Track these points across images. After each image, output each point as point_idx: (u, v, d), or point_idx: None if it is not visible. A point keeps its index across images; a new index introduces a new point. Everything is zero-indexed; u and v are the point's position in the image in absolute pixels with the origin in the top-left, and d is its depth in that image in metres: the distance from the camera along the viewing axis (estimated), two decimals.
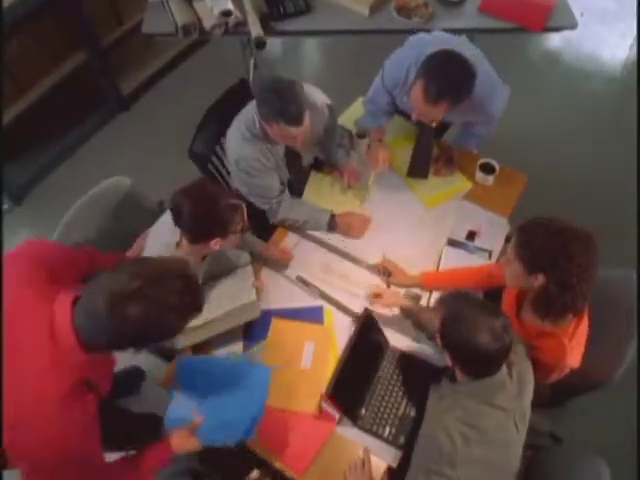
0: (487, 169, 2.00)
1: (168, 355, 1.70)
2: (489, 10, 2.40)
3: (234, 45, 2.79)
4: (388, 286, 1.79)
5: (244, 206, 1.48)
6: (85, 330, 1.03)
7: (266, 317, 1.70)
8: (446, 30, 1.88)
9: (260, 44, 2.28)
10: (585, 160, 3.00)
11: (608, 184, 2.87)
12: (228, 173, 2.08)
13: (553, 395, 1.61)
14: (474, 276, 1.71)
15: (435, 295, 1.74)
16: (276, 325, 1.70)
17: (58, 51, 2.86)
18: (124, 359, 1.30)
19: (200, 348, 1.63)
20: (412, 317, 1.64)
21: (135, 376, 2.20)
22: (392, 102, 1.98)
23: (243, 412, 1.42)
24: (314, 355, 1.64)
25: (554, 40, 3.68)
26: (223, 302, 1.61)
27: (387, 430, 1.50)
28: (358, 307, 1.73)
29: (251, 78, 2.45)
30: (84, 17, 2.79)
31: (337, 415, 1.51)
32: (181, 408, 1.46)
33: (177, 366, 1.59)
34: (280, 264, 1.85)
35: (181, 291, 1.06)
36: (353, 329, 1.57)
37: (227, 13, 2.32)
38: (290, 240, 1.93)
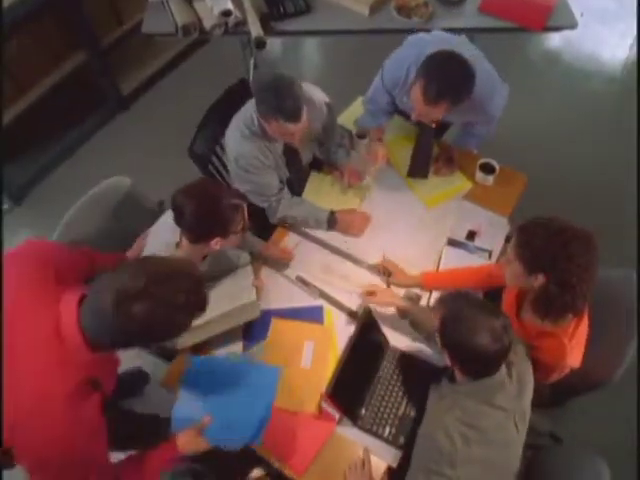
0: (487, 169, 2.00)
1: (168, 355, 1.70)
2: (489, 10, 2.40)
3: (234, 45, 2.79)
4: (388, 286, 1.79)
5: (245, 206, 1.48)
6: (91, 329, 1.04)
7: (266, 317, 1.70)
8: (446, 30, 1.89)
9: (260, 44, 2.28)
10: (585, 160, 3.00)
11: (608, 184, 2.87)
12: (228, 173, 2.08)
13: (553, 395, 1.61)
14: (474, 276, 1.71)
15: (435, 295, 1.74)
16: (276, 325, 1.70)
17: (58, 51, 2.86)
18: (127, 360, 1.30)
19: (200, 348, 1.63)
20: (408, 317, 1.64)
21: (138, 378, 2.21)
22: (392, 102, 1.98)
23: (250, 413, 1.43)
24: (314, 355, 1.64)
25: (554, 40, 3.68)
26: (223, 302, 1.61)
27: (387, 430, 1.50)
28: (358, 307, 1.73)
29: (251, 78, 2.45)
30: (84, 17, 2.79)
31: (337, 415, 1.51)
32: (188, 407, 1.47)
33: (185, 365, 1.59)
34: (280, 264, 1.85)
35: (187, 290, 1.07)
36: (353, 329, 1.57)
37: (227, 13, 2.32)
38: (291, 240, 1.93)
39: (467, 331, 1.18)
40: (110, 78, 3.17)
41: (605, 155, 3.03)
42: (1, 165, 2.61)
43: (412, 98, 1.64)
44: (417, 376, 1.56)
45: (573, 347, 1.34)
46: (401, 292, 1.76)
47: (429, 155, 2.07)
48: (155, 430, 1.76)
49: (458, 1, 2.44)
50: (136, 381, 2.19)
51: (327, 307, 1.75)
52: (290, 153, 1.88)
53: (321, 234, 1.93)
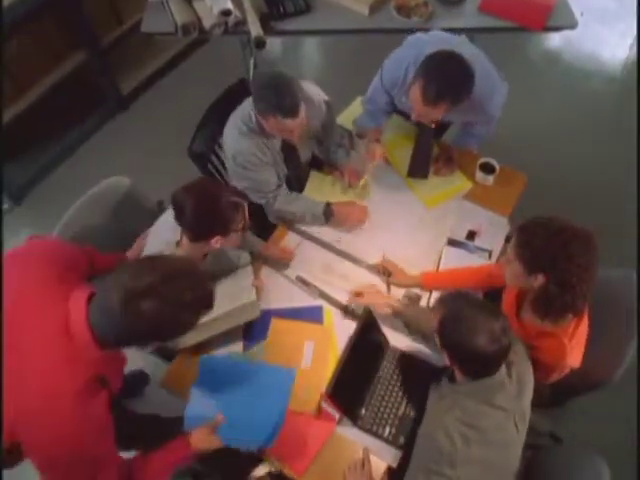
0: (487, 169, 2.00)
1: (168, 355, 1.70)
2: (489, 9, 2.40)
3: (234, 45, 2.79)
4: (388, 286, 1.79)
5: (245, 204, 1.49)
6: (100, 326, 1.05)
7: (266, 317, 1.70)
8: (446, 29, 1.89)
9: (260, 44, 2.28)
10: (585, 160, 3.00)
11: (608, 184, 2.87)
12: (227, 171, 2.08)
13: (553, 395, 1.61)
14: (474, 276, 1.71)
15: (435, 295, 1.74)
16: (276, 325, 1.70)
17: (58, 51, 2.85)
18: (128, 361, 1.31)
19: (200, 348, 1.63)
20: (401, 318, 1.64)
21: (139, 379, 2.21)
22: (391, 102, 1.98)
23: (264, 416, 1.44)
24: (314, 355, 1.64)
25: (554, 40, 3.67)
26: (223, 302, 1.61)
27: (387, 430, 1.50)
28: (348, 304, 1.73)
29: (251, 78, 2.45)
30: (84, 17, 2.78)
31: (337, 415, 1.51)
32: (201, 406, 1.48)
33: (186, 365, 1.60)
34: (280, 264, 1.85)
35: (194, 288, 1.08)
36: (353, 329, 1.57)
37: (227, 12, 2.32)
38: (291, 240, 1.93)
39: (467, 331, 1.18)
40: (110, 78, 3.17)
41: (605, 155, 3.03)
42: (1, 165, 2.60)
43: (411, 98, 1.64)
44: (417, 376, 1.56)
45: (573, 347, 1.34)
46: (401, 292, 1.76)
47: (429, 155, 2.06)
48: (155, 430, 1.76)
49: (458, 1, 2.44)
50: (136, 382, 2.20)
51: (327, 307, 1.75)
52: (288, 150, 1.88)
53: (320, 233, 1.93)
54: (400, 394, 1.56)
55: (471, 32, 2.29)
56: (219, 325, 1.58)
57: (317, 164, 2.16)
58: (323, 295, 1.77)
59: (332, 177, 2.09)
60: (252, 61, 2.48)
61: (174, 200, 1.40)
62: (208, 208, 1.39)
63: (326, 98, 1.92)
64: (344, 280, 1.80)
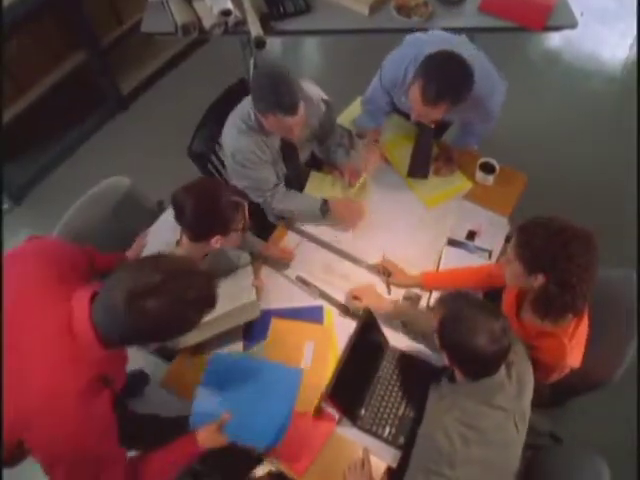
0: (487, 169, 2.00)
1: (168, 355, 1.70)
2: (489, 9, 2.40)
3: (234, 45, 2.79)
4: (388, 286, 1.79)
5: (246, 204, 1.49)
6: (103, 325, 1.05)
7: (266, 317, 1.70)
8: (446, 29, 1.89)
9: (260, 44, 2.27)
10: (585, 160, 3.00)
11: (608, 184, 2.87)
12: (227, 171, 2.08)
13: (553, 395, 1.61)
14: (474, 276, 1.71)
15: (435, 295, 1.74)
16: (276, 325, 1.70)
17: (58, 51, 2.85)
18: (130, 361, 1.31)
19: (200, 348, 1.63)
20: (400, 318, 1.64)
21: (139, 379, 2.21)
22: (391, 102, 1.98)
23: (271, 414, 1.45)
24: (314, 355, 1.64)
25: (554, 39, 3.67)
26: (223, 302, 1.59)
27: (387, 430, 1.50)
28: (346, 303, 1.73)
29: (251, 78, 2.45)
30: (84, 17, 2.78)
31: (337, 415, 1.51)
32: (207, 404, 1.49)
33: (187, 364, 1.60)
34: (280, 264, 1.85)
35: (198, 286, 1.08)
36: (353, 329, 1.57)
37: (227, 12, 2.32)
38: (291, 240, 1.93)
39: (467, 331, 1.18)
40: (110, 78, 3.16)
41: (605, 155, 3.03)
42: (1, 165, 2.60)
43: (411, 98, 1.64)
44: (417, 376, 1.56)
45: (573, 347, 1.34)
46: (401, 292, 1.76)
47: (429, 155, 2.06)
48: (155, 430, 1.76)
49: (458, 1, 2.44)
50: (136, 382, 2.19)
51: (327, 307, 1.75)
52: (287, 148, 1.88)
53: (320, 233, 1.93)
54: (400, 394, 1.56)
55: (471, 32, 2.28)
56: (219, 325, 1.58)
57: (317, 164, 2.16)
58: (323, 295, 1.77)
59: (332, 177, 2.09)
60: (252, 61, 2.47)
61: (174, 200, 1.40)
62: (208, 208, 1.39)
63: (325, 97, 1.92)
64: (344, 280, 1.80)
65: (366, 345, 1.58)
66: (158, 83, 3.45)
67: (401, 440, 1.48)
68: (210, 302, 1.13)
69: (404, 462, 1.38)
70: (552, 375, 1.41)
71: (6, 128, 2.70)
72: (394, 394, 1.56)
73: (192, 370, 1.61)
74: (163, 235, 1.54)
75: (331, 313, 1.74)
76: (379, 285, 1.79)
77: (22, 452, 1.13)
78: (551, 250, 1.23)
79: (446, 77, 1.55)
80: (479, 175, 2.02)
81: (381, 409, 1.53)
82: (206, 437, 1.34)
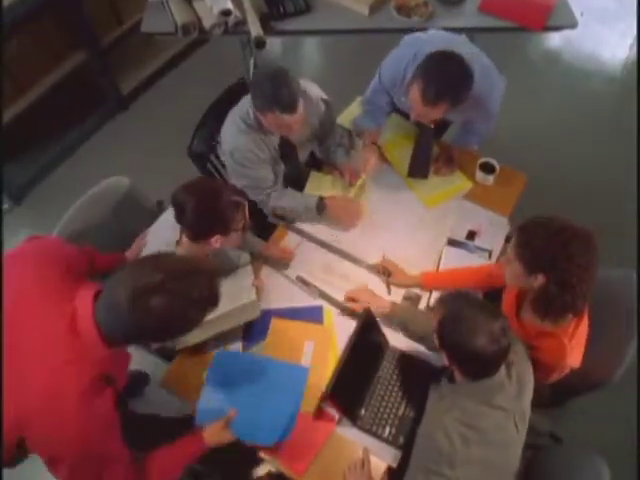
0: (487, 169, 2.00)
1: (168, 355, 1.70)
2: (489, 9, 2.40)
3: (234, 45, 2.79)
4: (388, 286, 1.79)
5: (246, 204, 1.49)
6: (106, 324, 1.05)
7: (266, 317, 1.70)
8: (446, 29, 1.89)
9: (260, 44, 2.27)
10: (585, 160, 3.00)
11: (608, 184, 2.87)
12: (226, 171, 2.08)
13: (553, 395, 1.61)
14: (474, 276, 1.71)
15: (435, 295, 1.74)
16: (276, 325, 1.70)
17: (58, 51, 2.85)
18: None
19: (200, 348, 1.63)
20: (398, 319, 1.64)
21: (139, 379, 2.21)
22: (391, 102, 1.98)
23: (277, 411, 1.46)
24: (314, 355, 1.64)
25: (554, 39, 3.67)
26: (223, 302, 1.59)
27: (387, 430, 1.50)
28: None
29: (251, 78, 2.45)
30: (84, 17, 2.78)
31: (337, 415, 1.51)
32: (213, 401, 1.50)
33: (186, 364, 1.61)
34: (280, 264, 1.85)
35: (202, 285, 1.08)
36: (353, 329, 1.57)
37: (227, 12, 2.32)
38: (292, 240, 1.93)
39: (466, 332, 1.18)
40: (110, 78, 3.17)
41: (605, 155, 3.03)
42: (1, 165, 2.60)
43: (410, 98, 1.64)
44: (417, 376, 1.56)
45: (573, 347, 1.34)
46: (401, 292, 1.76)
47: (429, 155, 2.06)
48: (155, 430, 1.76)
49: (458, 1, 2.44)
50: (136, 382, 2.20)
51: (327, 307, 1.75)
52: (286, 147, 1.88)
53: (320, 233, 1.93)
54: (400, 394, 1.56)
55: (471, 32, 2.28)
56: (219, 325, 1.58)
57: (316, 164, 2.16)
58: (323, 295, 1.77)
59: (332, 177, 2.09)
60: (252, 61, 2.48)
61: (174, 199, 1.40)
62: (208, 207, 1.39)
63: (325, 97, 1.92)
64: (344, 280, 1.80)
65: (366, 345, 1.58)
66: (158, 83, 3.45)
67: (401, 440, 1.48)
68: (213, 301, 1.13)
69: (404, 462, 1.38)
70: (552, 375, 1.41)
71: (6, 128, 2.70)
72: (394, 394, 1.56)
73: (192, 370, 1.61)
74: (163, 235, 1.54)
75: (331, 313, 1.74)
76: (379, 285, 1.79)
77: (22, 452, 1.13)
78: (551, 250, 1.23)
79: (446, 77, 1.55)
80: (479, 175, 2.01)
81: (381, 409, 1.53)
82: (212, 434, 1.35)
